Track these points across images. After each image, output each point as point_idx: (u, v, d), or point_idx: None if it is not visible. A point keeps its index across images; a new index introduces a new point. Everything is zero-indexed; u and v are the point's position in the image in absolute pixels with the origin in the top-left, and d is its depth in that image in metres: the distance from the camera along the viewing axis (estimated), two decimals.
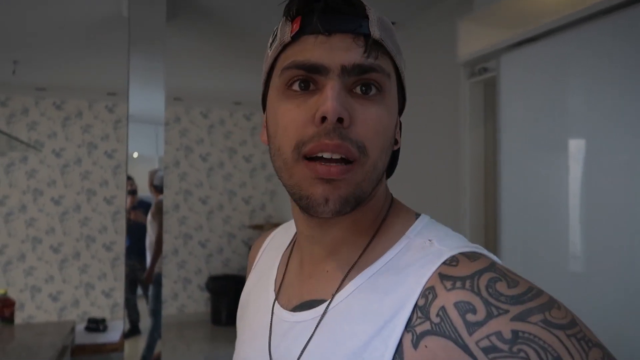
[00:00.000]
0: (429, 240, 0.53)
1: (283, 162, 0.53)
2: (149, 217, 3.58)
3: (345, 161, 0.50)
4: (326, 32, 0.50)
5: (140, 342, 2.86)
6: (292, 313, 0.58)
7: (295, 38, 0.52)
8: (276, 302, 0.61)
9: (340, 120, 0.49)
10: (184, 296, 5.40)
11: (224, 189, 5.54)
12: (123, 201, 4.80)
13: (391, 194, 0.62)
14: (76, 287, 4.98)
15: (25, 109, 4.88)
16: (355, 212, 0.54)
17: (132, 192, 4.06)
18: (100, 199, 5.08)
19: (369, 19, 0.52)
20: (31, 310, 4.84)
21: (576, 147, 1.88)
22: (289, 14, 0.52)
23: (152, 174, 3.72)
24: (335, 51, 0.50)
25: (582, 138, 1.85)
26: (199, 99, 5.32)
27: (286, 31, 0.53)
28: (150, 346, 2.86)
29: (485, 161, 2.38)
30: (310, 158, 0.50)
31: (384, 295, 0.51)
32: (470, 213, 2.34)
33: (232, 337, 0.68)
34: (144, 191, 3.77)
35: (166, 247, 5.32)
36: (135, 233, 3.54)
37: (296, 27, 0.52)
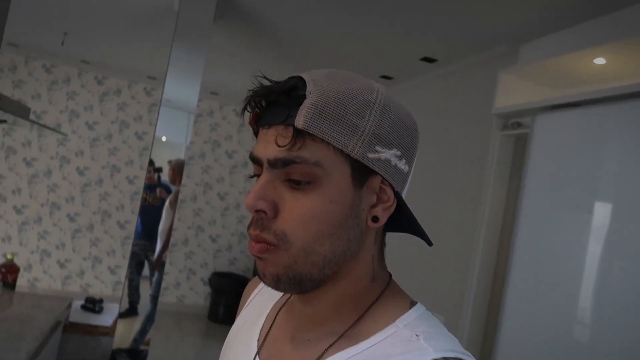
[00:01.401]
0: (416, 335, 0.52)
1: None
2: (167, 203, 3.63)
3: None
4: (264, 126, 0.54)
5: (134, 325, 2.89)
6: None
7: (255, 129, 0.57)
8: (257, 356, 0.61)
9: (262, 211, 0.52)
10: (186, 287, 5.44)
11: (244, 188, 5.58)
12: (144, 182, 4.88)
13: (389, 277, 0.61)
14: (84, 258, 5.08)
15: (67, 78, 5.01)
16: (330, 289, 0.56)
17: (158, 169, 4.13)
18: (122, 177, 5.17)
19: (301, 106, 0.52)
20: (38, 274, 4.95)
21: (602, 210, 1.83)
22: (247, 108, 0.56)
23: (174, 163, 3.78)
24: (266, 144, 0.53)
25: (609, 202, 1.79)
26: (234, 97, 5.38)
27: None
28: (143, 330, 2.88)
29: (505, 215, 2.34)
30: None
31: None
32: (480, 265, 2.29)
33: (225, 336, 0.69)
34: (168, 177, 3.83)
35: (177, 235, 5.38)
36: (150, 215, 3.59)
37: (252, 120, 0.57)
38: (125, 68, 4.90)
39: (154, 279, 3.59)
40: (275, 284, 0.54)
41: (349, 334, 0.55)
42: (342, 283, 0.56)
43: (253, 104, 0.55)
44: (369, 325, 0.55)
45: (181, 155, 3.77)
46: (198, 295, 5.47)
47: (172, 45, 2.74)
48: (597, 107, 1.80)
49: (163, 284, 5.24)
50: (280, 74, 0.58)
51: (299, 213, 0.52)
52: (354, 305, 0.57)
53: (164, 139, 3.12)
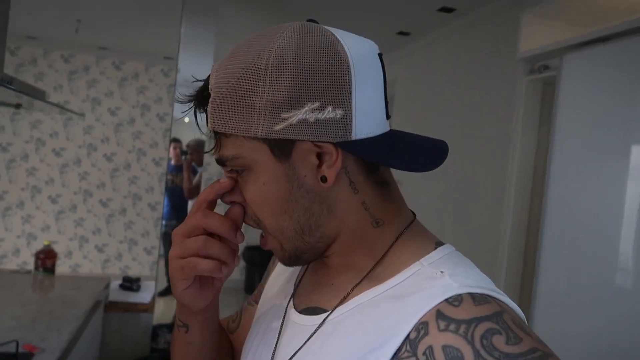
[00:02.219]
0: (441, 272, 0.50)
1: None
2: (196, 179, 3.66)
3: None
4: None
5: (172, 303, 2.97)
6: (297, 314, 0.60)
7: None
8: (291, 300, 0.63)
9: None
10: None
11: None
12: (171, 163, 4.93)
13: (410, 219, 0.58)
14: (120, 241, 5.21)
15: (86, 67, 5.05)
16: (334, 247, 0.57)
17: (184, 152, 4.17)
18: (149, 160, 5.24)
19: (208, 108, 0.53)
20: (78, 259, 5.11)
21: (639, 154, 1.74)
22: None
23: (192, 145, 3.79)
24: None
25: None
26: None
27: None
28: None
29: (535, 164, 2.26)
30: None
31: (381, 319, 0.49)
32: (512, 216, 2.24)
33: None
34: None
35: None
36: (178, 194, 3.63)
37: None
38: (141, 51, 4.90)
39: None
40: (289, 264, 0.58)
41: (371, 275, 0.55)
42: (339, 239, 0.56)
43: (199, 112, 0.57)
44: (392, 265, 0.54)
45: (201, 134, 3.77)
46: (234, 270, 5.57)
47: (181, 23, 2.71)
48: (631, 40, 1.69)
49: None
50: None
51: (250, 199, 0.55)
52: (366, 251, 0.56)
53: (186, 120, 3.12)
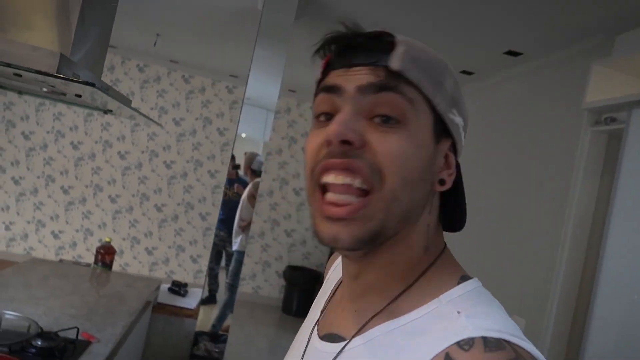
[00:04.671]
0: (458, 312, 0.49)
1: (307, 191, 0.55)
2: (244, 195, 3.78)
3: (359, 192, 0.49)
4: (346, 66, 0.51)
5: (214, 312, 3.05)
6: (319, 341, 0.60)
7: (324, 74, 0.55)
8: (317, 325, 0.63)
9: (348, 143, 0.48)
10: (261, 278, 5.63)
11: None
12: (224, 176, 5.09)
13: (444, 246, 0.58)
14: (169, 246, 5.40)
15: (158, 77, 5.35)
16: (381, 257, 0.53)
17: (236, 166, 4.32)
18: (205, 171, 5.44)
19: (393, 51, 0.50)
20: (128, 259, 5.33)
21: None
22: (319, 55, 0.55)
23: (249, 157, 3.93)
24: (351, 77, 0.51)
25: None
26: (311, 95, 5.45)
27: (319, 70, 0.56)
28: (221, 317, 3.03)
29: (594, 216, 2.20)
30: (324, 188, 0.51)
31: (395, 355, 0.49)
32: (566, 265, 2.18)
33: (298, 329, 0.71)
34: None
35: (254, 228, 5.57)
36: (230, 208, 3.76)
37: (323, 65, 0.55)
38: (209, 67, 5.14)
39: (230, 268, 3.76)
40: (353, 246, 0.50)
41: (392, 307, 0.53)
42: (395, 250, 0.53)
43: (334, 45, 0.53)
44: (414, 299, 0.53)
45: (259, 150, 3.91)
46: (272, 287, 5.64)
47: (255, 44, 2.85)
48: None
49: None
50: None
51: (391, 150, 0.49)
52: (402, 276, 0.54)
53: (243, 135, 3.25)
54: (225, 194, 3.87)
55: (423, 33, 2.76)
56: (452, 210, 0.58)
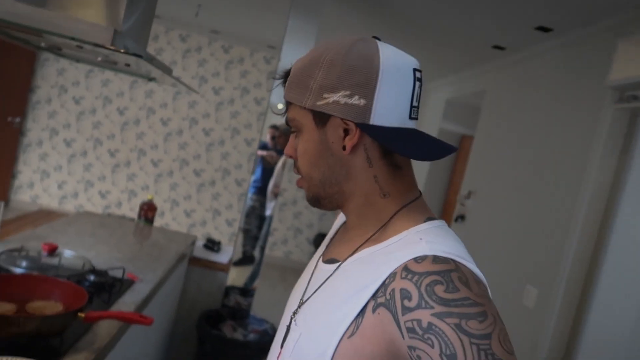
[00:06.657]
0: (420, 239, 0.66)
1: None
2: (279, 165, 3.95)
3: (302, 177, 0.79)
4: None
5: (246, 271, 3.27)
6: (322, 263, 0.79)
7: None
8: (322, 255, 0.83)
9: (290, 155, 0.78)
10: (292, 244, 5.86)
11: None
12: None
13: (416, 196, 0.74)
14: (206, 210, 5.69)
15: (199, 47, 5.55)
16: (349, 205, 0.75)
17: (273, 137, 4.48)
18: (241, 139, 5.65)
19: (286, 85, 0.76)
20: (168, 220, 5.66)
21: None
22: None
23: (274, 129, 4.08)
24: None
25: None
26: None
27: None
28: (253, 276, 3.25)
29: (611, 191, 2.26)
30: None
31: (373, 268, 0.66)
32: (579, 236, 2.25)
33: None
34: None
35: (287, 195, 5.77)
36: (266, 174, 3.95)
37: None
38: (248, 37, 5.29)
39: (263, 231, 3.97)
40: (310, 204, 0.79)
41: (374, 237, 0.72)
42: (354, 199, 0.74)
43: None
44: (390, 230, 0.70)
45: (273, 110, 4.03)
46: (303, 253, 5.87)
47: (289, 16, 2.97)
48: None
49: (272, 239, 5.70)
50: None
51: (299, 151, 0.76)
52: (375, 216, 0.73)
53: (280, 106, 3.39)
54: (267, 162, 4.06)
55: (453, 10, 2.81)
56: (402, 152, 0.70)
